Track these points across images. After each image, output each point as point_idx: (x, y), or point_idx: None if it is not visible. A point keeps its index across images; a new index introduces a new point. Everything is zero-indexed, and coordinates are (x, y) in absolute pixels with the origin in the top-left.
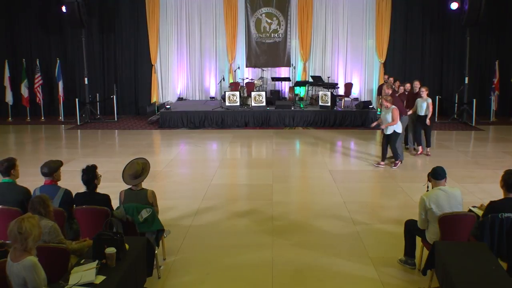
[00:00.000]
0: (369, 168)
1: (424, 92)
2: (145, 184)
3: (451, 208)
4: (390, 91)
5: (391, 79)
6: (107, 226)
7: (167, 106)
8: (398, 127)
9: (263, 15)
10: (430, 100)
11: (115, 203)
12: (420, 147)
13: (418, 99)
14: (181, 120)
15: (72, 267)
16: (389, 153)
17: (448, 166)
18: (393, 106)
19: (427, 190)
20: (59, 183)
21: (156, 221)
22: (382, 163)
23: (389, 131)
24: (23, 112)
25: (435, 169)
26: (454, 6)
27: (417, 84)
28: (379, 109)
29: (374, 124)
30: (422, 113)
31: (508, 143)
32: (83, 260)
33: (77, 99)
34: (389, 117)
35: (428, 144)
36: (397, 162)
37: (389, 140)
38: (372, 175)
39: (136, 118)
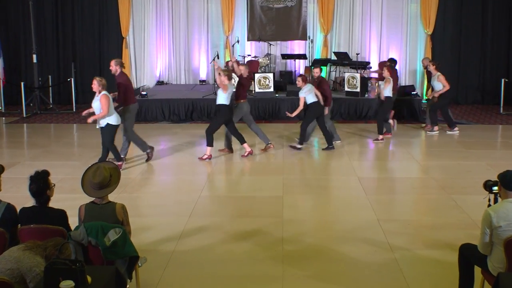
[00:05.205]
0: (411, 175)
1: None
2: (113, 196)
3: None
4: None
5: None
6: (62, 252)
7: (143, 93)
8: (112, 119)
9: None
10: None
11: (73, 222)
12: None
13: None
14: (162, 110)
15: None
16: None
17: None
18: (103, 92)
19: (489, 205)
20: None
21: (128, 245)
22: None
23: (102, 123)
24: None
25: (505, 175)
26: None
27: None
28: (425, 96)
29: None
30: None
31: None
32: None
33: (22, 83)
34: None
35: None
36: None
37: (105, 135)
38: (415, 184)
39: None
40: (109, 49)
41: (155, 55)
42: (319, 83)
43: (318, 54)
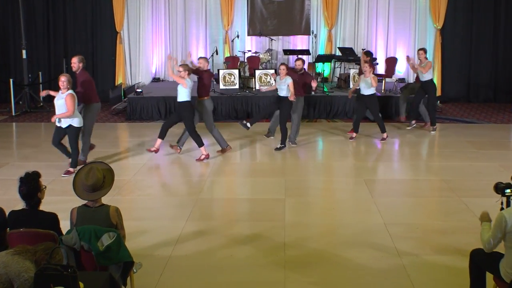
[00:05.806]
0: (420, 177)
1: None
2: (106, 199)
3: None
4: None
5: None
6: (53, 257)
7: (138, 90)
8: (75, 120)
9: None
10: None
11: (64, 225)
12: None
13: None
14: (157, 109)
15: None
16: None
17: None
18: (70, 91)
19: (502, 208)
20: None
21: (123, 250)
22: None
23: (64, 123)
24: None
25: None
26: None
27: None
28: None
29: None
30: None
31: None
32: None
33: (11, 80)
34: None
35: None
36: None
37: (69, 138)
38: (423, 186)
39: None
40: (102, 44)
41: (150, 51)
42: (302, 75)
43: (322, 50)
